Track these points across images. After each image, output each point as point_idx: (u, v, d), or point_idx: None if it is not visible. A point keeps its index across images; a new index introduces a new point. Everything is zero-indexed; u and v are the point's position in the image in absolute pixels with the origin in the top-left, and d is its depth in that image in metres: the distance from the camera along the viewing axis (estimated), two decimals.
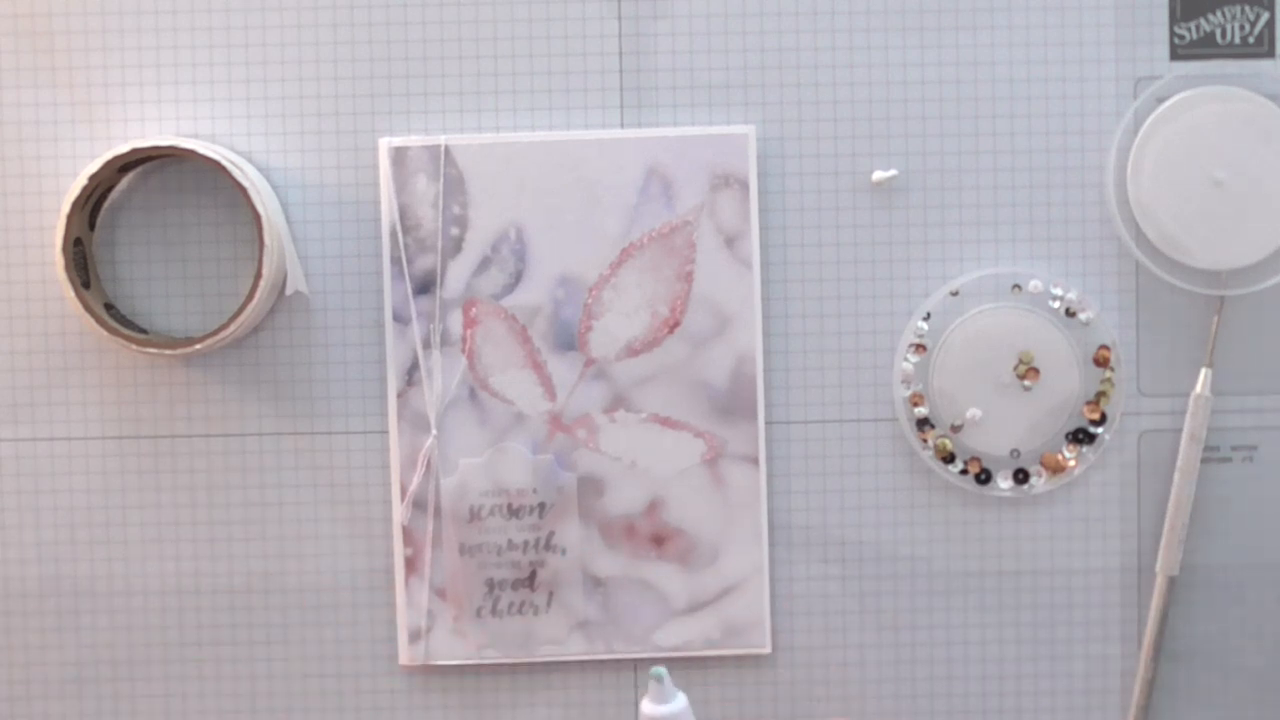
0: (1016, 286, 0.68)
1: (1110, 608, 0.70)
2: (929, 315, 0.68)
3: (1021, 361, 0.68)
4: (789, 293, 0.69)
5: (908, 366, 0.68)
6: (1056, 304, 0.68)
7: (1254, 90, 0.67)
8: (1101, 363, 0.68)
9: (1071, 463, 0.69)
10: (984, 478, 0.69)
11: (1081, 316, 0.68)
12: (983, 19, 0.68)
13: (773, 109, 0.69)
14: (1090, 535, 0.69)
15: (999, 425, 0.68)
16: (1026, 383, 0.68)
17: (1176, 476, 0.68)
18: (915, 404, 0.69)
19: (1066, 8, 0.68)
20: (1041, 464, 0.69)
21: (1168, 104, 0.68)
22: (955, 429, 0.68)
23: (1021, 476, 0.69)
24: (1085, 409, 0.69)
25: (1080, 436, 0.69)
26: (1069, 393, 0.68)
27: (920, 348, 0.69)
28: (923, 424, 0.69)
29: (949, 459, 0.69)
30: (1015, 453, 0.69)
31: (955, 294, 0.68)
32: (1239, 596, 0.69)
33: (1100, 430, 0.69)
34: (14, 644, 0.70)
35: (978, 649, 0.70)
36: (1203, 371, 0.67)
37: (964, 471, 0.69)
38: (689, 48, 0.68)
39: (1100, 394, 0.68)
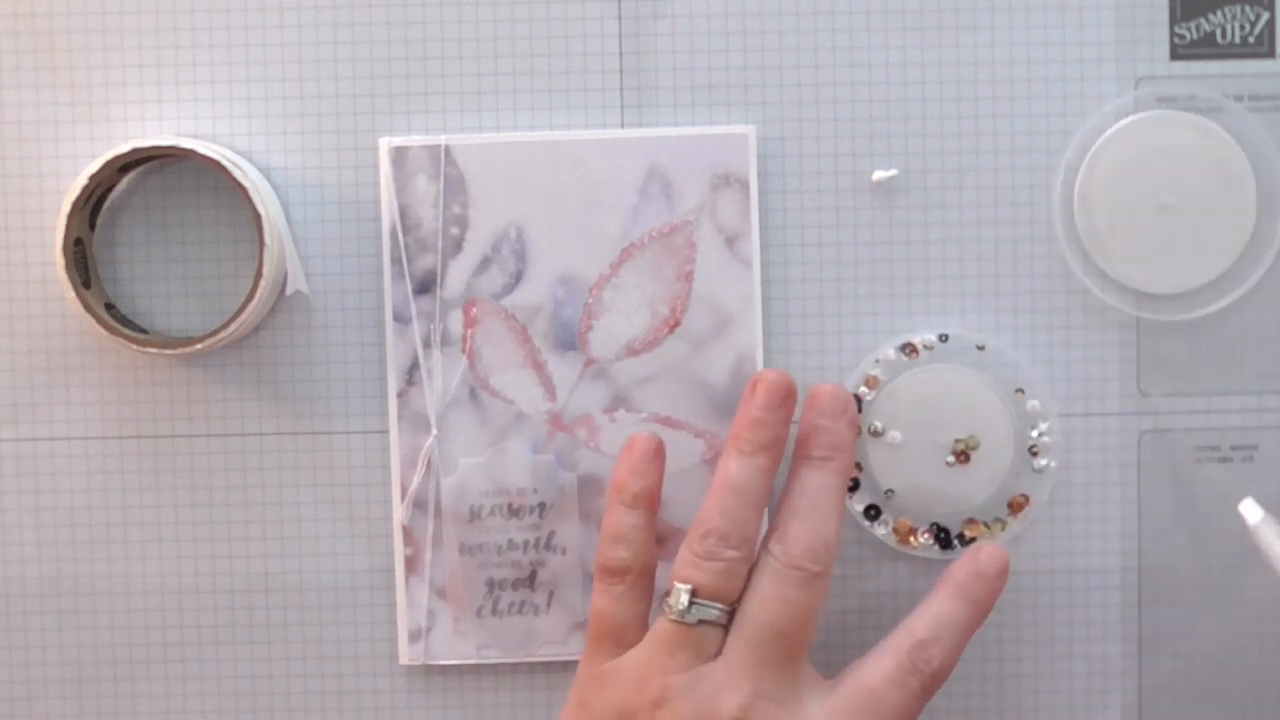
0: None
1: (1110, 608, 0.70)
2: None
3: (968, 446, 0.67)
4: (789, 293, 0.69)
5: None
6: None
7: (1254, 90, 0.68)
8: (1015, 508, 0.68)
9: (921, 542, 0.68)
10: (855, 486, 0.68)
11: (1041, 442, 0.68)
12: (983, 19, 0.68)
13: (773, 109, 0.69)
14: (1090, 535, 0.69)
15: (901, 465, 0.68)
16: (950, 459, 0.67)
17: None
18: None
19: (1066, 8, 0.68)
20: (895, 524, 0.68)
21: (1124, 121, 0.67)
22: (874, 433, 0.68)
23: (873, 513, 0.68)
24: (965, 524, 0.68)
25: (941, 537, 0.68)
26: (974, 501, 0.68)
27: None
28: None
29: None
30: (890, 493, 0.68)
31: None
32: (1239, 597, 0.69)
33: (956, 545, 0.68)
34: (14, 644, 0.70)
35: (977, 649, 0.70)
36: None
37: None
38: (689, 48, 0.68)
39: (988, 526, 0.68)
